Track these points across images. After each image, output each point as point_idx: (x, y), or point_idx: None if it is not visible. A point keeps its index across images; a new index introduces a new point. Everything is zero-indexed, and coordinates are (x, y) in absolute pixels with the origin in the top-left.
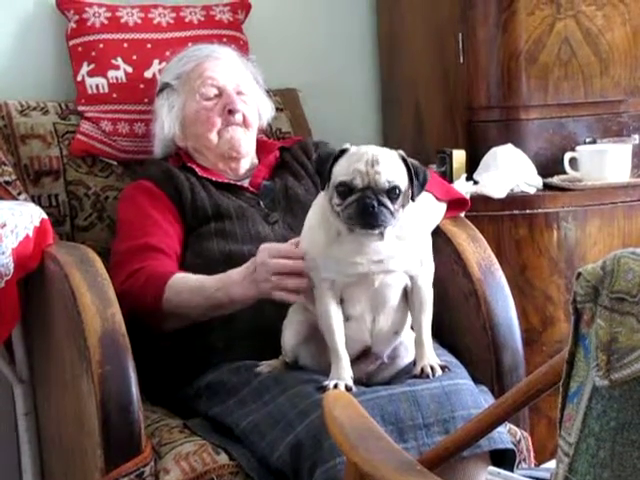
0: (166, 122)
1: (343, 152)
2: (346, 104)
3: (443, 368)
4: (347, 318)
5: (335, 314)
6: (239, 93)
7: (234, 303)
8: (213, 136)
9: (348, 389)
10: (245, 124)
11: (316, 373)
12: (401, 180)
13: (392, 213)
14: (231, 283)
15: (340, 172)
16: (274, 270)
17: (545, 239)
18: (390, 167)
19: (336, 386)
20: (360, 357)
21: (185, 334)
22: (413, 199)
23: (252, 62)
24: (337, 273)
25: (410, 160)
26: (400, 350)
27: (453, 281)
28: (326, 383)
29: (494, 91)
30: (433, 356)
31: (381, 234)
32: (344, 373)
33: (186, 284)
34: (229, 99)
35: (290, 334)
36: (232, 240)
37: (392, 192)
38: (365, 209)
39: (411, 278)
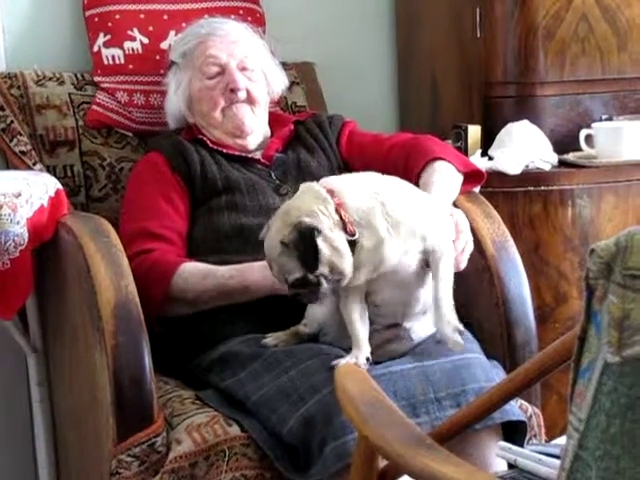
0: (174, 99)
1: None
2: (362, 78)
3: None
4: (376, 305)
5: (357, 311)
6: (243, 69)
7: (246, 292)
8: (217, 114)
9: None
10: (250, 100)
11: (328, 347)
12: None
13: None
14: (249, 270)
15: None
16: None
17: (559, 216)
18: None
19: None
20: (390, 339)
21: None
22: None
23: (260, 35)
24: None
25: (289, 241)
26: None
27: None
28: (342, 361)
29: (511, 67)
30: (453, 318)
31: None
32: (361, 355)
33: (195, 273)
34: (230, 77)
35: (317, 308)
36: (243, 213)
37: None
38: None
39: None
